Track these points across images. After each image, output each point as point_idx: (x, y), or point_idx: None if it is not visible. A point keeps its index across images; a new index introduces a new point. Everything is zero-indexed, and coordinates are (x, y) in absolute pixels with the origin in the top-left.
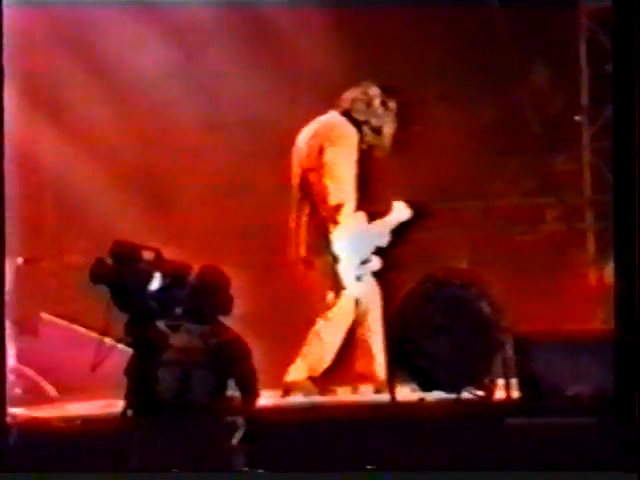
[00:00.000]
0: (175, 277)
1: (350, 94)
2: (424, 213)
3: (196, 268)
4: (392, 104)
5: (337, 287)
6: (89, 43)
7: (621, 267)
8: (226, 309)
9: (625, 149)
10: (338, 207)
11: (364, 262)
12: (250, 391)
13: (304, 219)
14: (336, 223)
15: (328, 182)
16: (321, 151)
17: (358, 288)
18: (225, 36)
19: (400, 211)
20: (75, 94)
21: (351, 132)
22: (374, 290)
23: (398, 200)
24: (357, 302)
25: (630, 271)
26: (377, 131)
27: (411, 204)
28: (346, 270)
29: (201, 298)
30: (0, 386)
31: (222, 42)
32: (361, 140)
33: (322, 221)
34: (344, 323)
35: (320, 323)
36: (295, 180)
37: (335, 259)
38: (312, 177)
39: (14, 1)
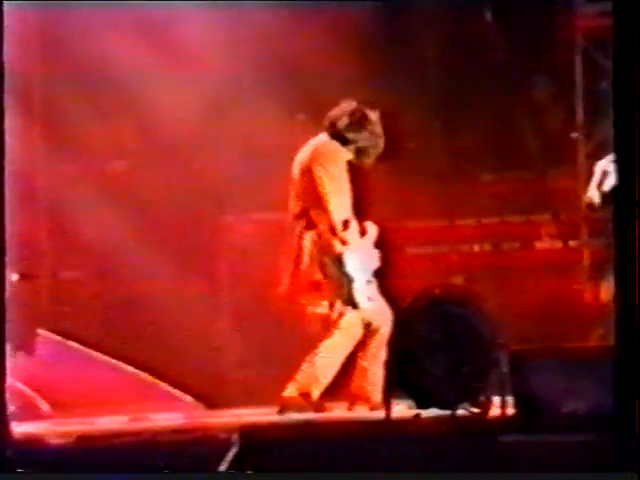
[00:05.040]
0: None
1: (333, 113)
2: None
3: None
4: (375, 117)
5: (347, 307)
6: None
7: (621, 282)
8: None
9: (625, 163)
10: (345, 224)
11: (369, 282)
12: None
13: (308, 246)
14: (345, 243)
15: (327, 203)
16: (312, 175)
17: (371, 308)
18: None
19: (372, 230)
20: (70, 113)
21: (336, 149)
22: (385, 311)
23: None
24: (367, 323)
25: (630, 286)
26: (363, 150)
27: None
28: (359, 291)
29: None
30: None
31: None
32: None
33: (328, 244)
34: (349, 344)
35: (324, 343)
36: (295, 210)
37: (350, 279)
38: (310, 203)
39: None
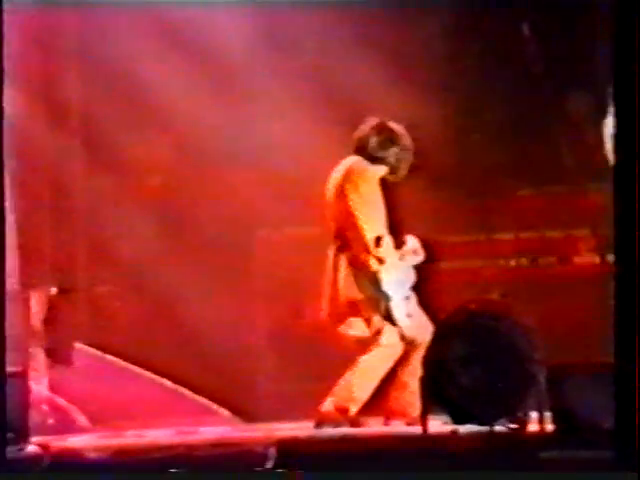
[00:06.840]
0: None
1: (359, 133)
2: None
3: None
4: (402, 131)
5: (385, 324)
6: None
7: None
8: None
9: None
10: (378, 241)
11: (407, 298)
12: None
13: (344, 267)
14: (380, 261)
15: (360, 223)
16: (345, 195)
17: (411, 324)
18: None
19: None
20: (108, 128)
21: (367, 168)
22: (427, 326)
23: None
24: (410, 339)
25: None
26: (394, 165)
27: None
28: (396, 308)
29: None
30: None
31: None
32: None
33: (363, 263)
34: (388, 361)
35: (363, 358)
36: (330, 231)
37: (387, 297)
38: (344, 223)
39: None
